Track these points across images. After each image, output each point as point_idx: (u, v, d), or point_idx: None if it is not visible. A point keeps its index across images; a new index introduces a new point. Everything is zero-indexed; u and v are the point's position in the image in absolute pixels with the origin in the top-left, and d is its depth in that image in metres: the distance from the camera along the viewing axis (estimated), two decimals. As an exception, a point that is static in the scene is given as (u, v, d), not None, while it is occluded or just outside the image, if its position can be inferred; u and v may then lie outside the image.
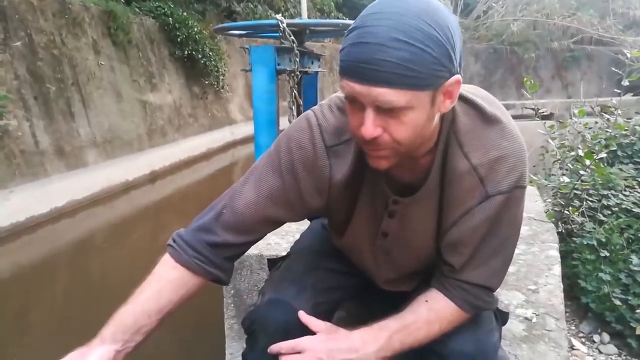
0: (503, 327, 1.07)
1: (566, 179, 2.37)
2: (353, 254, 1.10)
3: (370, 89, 0.70)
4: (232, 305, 1.66)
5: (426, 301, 0.92)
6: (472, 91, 0.88)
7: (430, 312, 0.91)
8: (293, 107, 2.54)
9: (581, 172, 2.28)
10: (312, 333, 1.09)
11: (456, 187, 0.86)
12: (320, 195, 0.92)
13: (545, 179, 2.60)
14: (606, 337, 2.01)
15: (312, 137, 0.89)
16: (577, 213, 2.24)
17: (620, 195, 2.27)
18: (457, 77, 0.75)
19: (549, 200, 2.61)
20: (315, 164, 0.89)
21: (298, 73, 2.57)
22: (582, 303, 2.09)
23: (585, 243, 2.11)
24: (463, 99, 0.85)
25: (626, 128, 2.86)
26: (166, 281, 0.90)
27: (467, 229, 0.87)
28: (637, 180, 2.41)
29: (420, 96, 0.71)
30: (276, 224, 0.96)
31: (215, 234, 0.92)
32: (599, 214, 2.20)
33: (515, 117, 0.93)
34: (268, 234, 1.76)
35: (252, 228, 0.94)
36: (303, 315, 0.95)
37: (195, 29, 8.99)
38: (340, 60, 0.74)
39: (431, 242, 0.95)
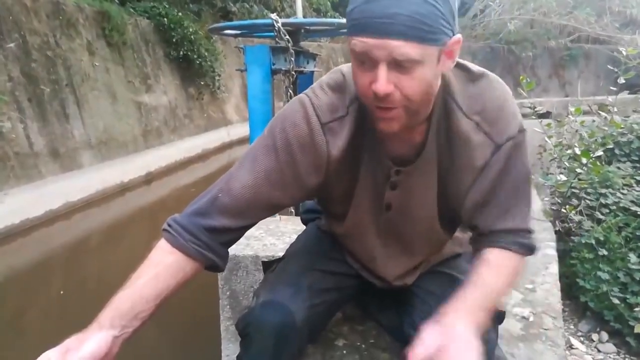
0: (500, 326, 1.07)
1: (563, 178, 2.36)
2: (356, 240, 1.08)
3: (386, 42, 0.72)
4: (228, 306, 1.64)
5: (487, 261, 0.92)
6: None
7: (492, 265, 0.91)
8: (289, 107, 2.52)
9: (578, 170, 2.28)
10: (309, 336, 1.07)
11: (463, 148, 0.89)
12: (318, 173, 0.92)
13: (543, 178, 2.60)
14: (605, 335, 2.01)
15: (307, 115, 0.90)
16: (574, 212, 2.24)
17: (618, 194, 2.27)
18: (459, 36, 0.78)
19: (547, 199, 2.61)
20: (312, 142, 0.90)
21: (293, 73, 2.55)
22: (581, 302, 2.08)
23: (583, 242, 2.10)
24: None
25: (622, 126, 2.86)
26: (163, 266, 0.89)
27: (486, 183, 0.91)
28: (635, 178, 2.42)
29: (429, 51, 0.74)
30: (273, 207, 0.95)
31: (211, 218, 0.91)
32: (597, 213, 2.20)
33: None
34: (264, 235, 1.77)
35: (248, 211, 0.92)
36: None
37: (191, 30, 8.95)
38: (350, 19, 0.76)
39: (434, 209, 0.97)
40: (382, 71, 0.75)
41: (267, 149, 0.91)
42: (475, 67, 0.91)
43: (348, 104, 0.90)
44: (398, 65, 0.74)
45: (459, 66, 0.90)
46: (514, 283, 0.93)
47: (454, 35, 0.77)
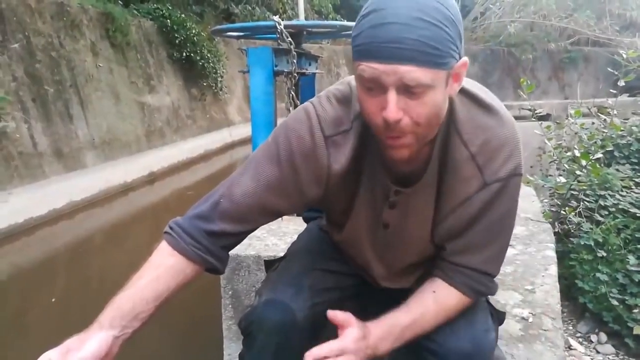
0: (500, 327, 1.07)
1: (563, 180, 2.38)
2: (352, 249, 1.10)
3: (395, 67, 0.71)
4: (230, 306, 1.66)
5: (433, 292, 0.94)
6: (467, 82, 0.89)
7: (437, 303, 0.93)
8: (291, 109, 2.53)
9: (577, 172, 2.29)
10: (311, 335, 1.09)
11: (455, 176, 0.88)
12: (319, 186, 0.92)
13: (542, 180, 2.61)
14: (603, 337, 2.02)
15: (311, 127, 0.90)
16: (573, 213, 2.25)
17: (617, 196, 2.28)
18: (465, 59, 0.77)
19: (546, 200, 2.63)
20: (314, 154, 0.90)
21: (295, 74, 2.56)
22: (580, 303, 2.09)
23: (582, 243, 2.11)
24: (461, 89, 0.86)
25: (622, 128, 2.87)
26: (164, 268, 0.90)
27: (463, 216, 0.90)
28: (634, 180, 2.43)
29: (439, 75, 0.73)
30: (274, 214, 0.96)
31: (212, 223, 0.92)
32: (596, 215, 2.21)
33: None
34: (266, 235, 1.79)
35: (249, 217, 0.93)
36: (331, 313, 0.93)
37: (194, 31, 8.99)
38: (357, 45, 0.74)
39: (429, 232, 0.96)
40: (392, 96, 0.73)
41: (270, 158, 0.91)
42: (486, 99, 0.88)
43: (352, 118, 0.90)
44: (407, 90, 0.73)
45: (469, 95, 0.88)
46: (447, 319, 0.95)
47: (460, 58, 0.76)
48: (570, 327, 2.11)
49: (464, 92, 0.87)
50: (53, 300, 3.16)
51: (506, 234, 0.95)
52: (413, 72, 0.71)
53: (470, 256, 0.93)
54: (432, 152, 0.88)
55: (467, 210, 0.89)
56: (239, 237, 0.97)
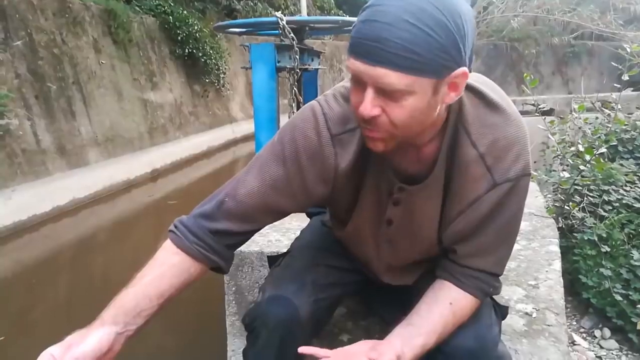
0: (503, 322, 1.07)
1: (566, 175, 2.37)
2: (355, 245, 1.10)
3: (372, 68, 0.70)
4: (234, 302, 1.66)
5: (450, 304, 0.92)
6: (476, 79, 0.88)
7: (455, 315, 0.92)
8: (293, 105, 2.53)
9: (581, 167, 2.28)
10: (314, 330, 1.09)
11: (463, 176, 0.87)
12: (325, 184, 0.92)
13: (546, 175, 2.60)
14: (607, 332, 2.02)
15: (317, 126, 0.89)
16: (577, 208, 2.24)
17: (621, 191, 2.27)
18: (464, 69, 0.73)
19: (550, 195, 2.62)
20: (321, 153, 0.89)
21: (298, 70, 2.56)
22: (583, 298, 2.09)
23: (586, 238, 2.11)
24: (468, 87, 0.84)
25: (626, 123, 2.86)
26: (168, 266, 0.90)
27: (473, 217, 0.89)
28: (637, 175, 2.42)
29: (421, 82, 0.71)
30: (279, 214, 0.96)
31: (217, 221, 0.92)
32: (599, 210, 2.21)
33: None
34: (269, 231, 1.79)
35: (254, 217, 0.93)
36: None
37: (196, 27, 9.00)
38: (350, 37, 0.75)
39: (434, 232, 0.95)
40: (369, 95, 0.73)
41: (275, 157, 0.91)
42: (494, 97, 0.87)
43: None
44: (385, 92, 0.72)
45: (477, 94, 0.87)
46: (460, 324, 0.94)
47: (458, 67, 0.72)
48: (574, 323, 2.11)
49: (472, 90, 0.86)
50: (1, 338, 2.81)
51: (514, 235, 0.95)
52: (387, 77, 0.69)
53: (481, 259, 0.92)
54: (439, 152, 0.87)
55: (477, 212, 0.88)
56: (244, 236, 0.97)
